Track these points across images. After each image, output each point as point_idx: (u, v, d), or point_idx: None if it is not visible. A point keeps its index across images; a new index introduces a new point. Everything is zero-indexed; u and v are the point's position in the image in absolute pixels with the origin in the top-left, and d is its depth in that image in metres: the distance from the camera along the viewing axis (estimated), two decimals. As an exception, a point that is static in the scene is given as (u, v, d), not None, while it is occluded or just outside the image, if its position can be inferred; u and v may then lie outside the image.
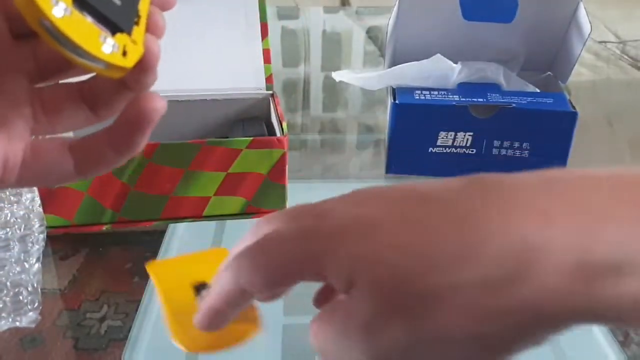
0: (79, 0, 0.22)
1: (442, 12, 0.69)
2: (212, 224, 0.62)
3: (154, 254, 0.57)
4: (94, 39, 0.22)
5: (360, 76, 0.71)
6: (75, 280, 0.55)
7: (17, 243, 0.58)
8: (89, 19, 0.22)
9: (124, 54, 0.23)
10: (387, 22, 0.67)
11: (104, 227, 0.60)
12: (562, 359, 0.48)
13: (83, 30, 0.22)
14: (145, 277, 0.55)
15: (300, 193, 0.65)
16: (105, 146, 0.27)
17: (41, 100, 0.27)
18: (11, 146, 0.25)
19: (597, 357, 0.49)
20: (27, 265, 0.55)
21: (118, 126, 0.26)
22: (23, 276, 0.54)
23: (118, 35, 0.23)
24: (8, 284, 0.53)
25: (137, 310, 0.51)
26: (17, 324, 0.49)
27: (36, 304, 0.51)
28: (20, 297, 0.52)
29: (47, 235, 0.59)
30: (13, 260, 0.56)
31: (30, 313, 0.50)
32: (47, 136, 0.27)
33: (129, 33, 0.24)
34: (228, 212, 0.62)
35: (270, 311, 0.53)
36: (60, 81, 0.28)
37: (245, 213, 0.62)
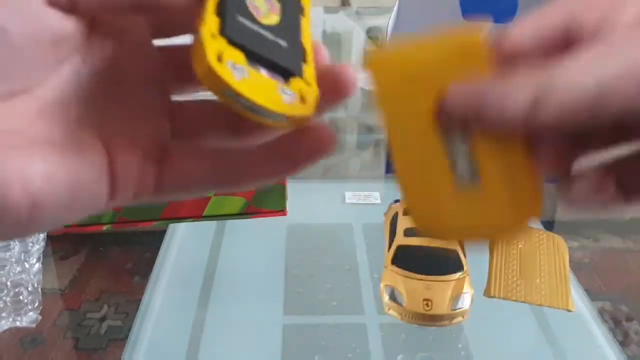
0: (250, 54, 0.21)
1: (442, 12, 0.69)
2: (212, 224, 0.62)
3: (154, 254, 0.57)
4: (274, 95, 0.22)
5: (361, 76, 0.71)
6: (76, 280, 0.55)
7: (17, 243, 0.58)
8: (263, 73, 0.22)
9: (302, 100, 0.22)
10: (387, 22, 0.67)
11: (105, 227, 0.60)
12: (562, 359, 0.48)
13: (263, 89, 0.21)
14: (145, 276, 0.55)
15: (300, 193, 0.65)
16: (258, 165, 0.24)
17: (180, 115, 0.25)
18: (146, 164, 0.23)
19: (597, 358, 0.49)
20: (27, 265, 0.55)
21: (281, 149, 0.24)
22: (23, 276, 0.54)
23: (292, 81, 0.23)
24: (8, 283, 0.53)
25: (137, 310, 0.51)
26: (18, 323, 0.49)
27: (36, 304, 0.51)
28: (21, 297, 0.52)
29: (47, 235, 0.59)
30: (13, 260, 0.56)
31: (31, 313, 0.50)
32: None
33: (301, 75, 0.23)
34: (228, 212, 0.62)
35: (270, 311, 0.53)
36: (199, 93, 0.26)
37: (245, 213, 0.62)
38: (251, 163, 0.24)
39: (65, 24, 0.20)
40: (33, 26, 0.19)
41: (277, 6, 0.23)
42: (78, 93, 0.22)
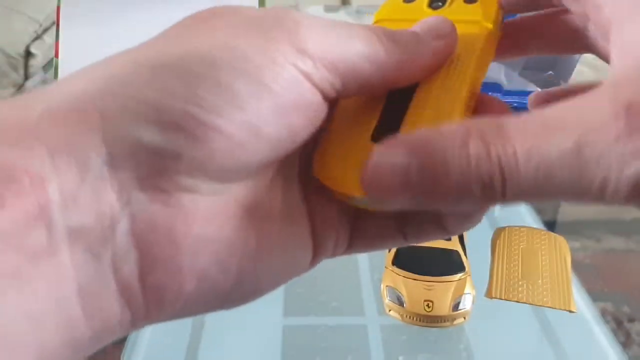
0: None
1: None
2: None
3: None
4: None
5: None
6: (74, 280, 0.55)
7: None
8: None
9: None
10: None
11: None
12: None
13: None
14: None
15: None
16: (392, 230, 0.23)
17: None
18: (340, 228, 0.22)
19: (598, 359, 0.48)
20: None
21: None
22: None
23: None
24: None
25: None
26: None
27: (35, 305, 0.51)
28: (19, 298, 0.51)
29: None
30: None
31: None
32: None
33: None
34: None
35: (269, 312, 0.53)
36: None
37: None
38: (384, 229, 0.23)
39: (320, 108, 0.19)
40: (299, 93, 0.18)
41: None
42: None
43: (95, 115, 0.16)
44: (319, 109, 0.19)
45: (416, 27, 0.21)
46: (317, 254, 0.22)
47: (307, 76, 0.18)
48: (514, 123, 0.16)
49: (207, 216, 0.18)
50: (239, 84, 0.17)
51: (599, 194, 0.16)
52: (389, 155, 0.17)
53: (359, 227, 0.23)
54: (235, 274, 0.19)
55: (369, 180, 0.18)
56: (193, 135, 0.17)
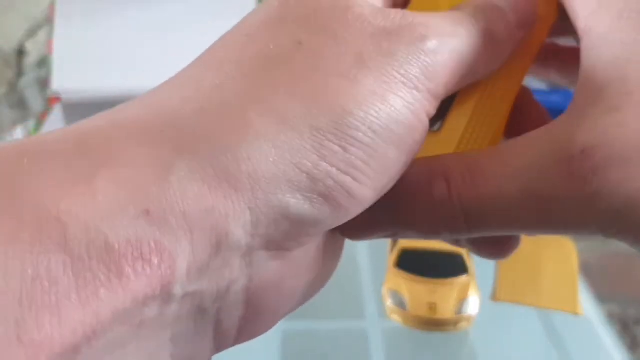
0: None
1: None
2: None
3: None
4: None
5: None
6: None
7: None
8: None
9: None
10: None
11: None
12: (570, 364, 0.47)
13: None
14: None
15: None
16: None
17: None
18: None
19: (604, 361, 0.48)
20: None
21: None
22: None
23: None
24: None
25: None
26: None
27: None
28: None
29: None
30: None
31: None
32: None
33: None
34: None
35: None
36: None
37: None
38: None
39: None
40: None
41: None
42: None
43: (244, 180, 0.14)
44: None
45: (503, 4, 0.19)
46: None
47: (429, 115, 0.17)
48: (481, 164, 0.17)
49: (306, 264, 0.17)
50: (390, 150, 0.16)
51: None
52: None
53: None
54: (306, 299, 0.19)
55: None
56: (341, 206, 0.15)
